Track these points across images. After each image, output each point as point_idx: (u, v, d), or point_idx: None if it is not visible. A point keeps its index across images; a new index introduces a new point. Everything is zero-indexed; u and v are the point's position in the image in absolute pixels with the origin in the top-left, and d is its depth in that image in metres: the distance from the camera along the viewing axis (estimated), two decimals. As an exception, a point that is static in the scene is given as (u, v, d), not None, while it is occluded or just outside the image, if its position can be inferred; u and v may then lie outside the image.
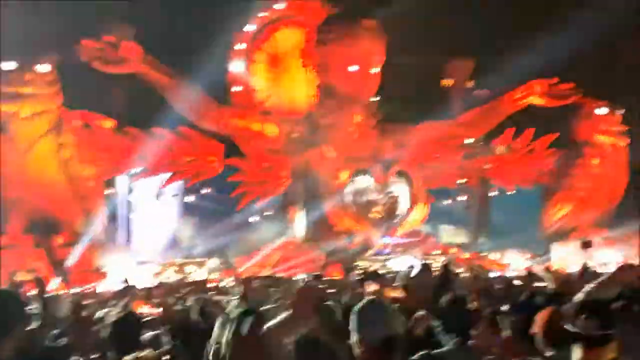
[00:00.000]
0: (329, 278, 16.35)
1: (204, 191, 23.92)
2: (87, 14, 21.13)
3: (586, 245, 20.90)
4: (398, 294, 10.91)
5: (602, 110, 27.40)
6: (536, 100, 26.16)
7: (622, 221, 25.45)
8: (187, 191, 23.70)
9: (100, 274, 19.75)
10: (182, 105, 22.33)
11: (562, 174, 27.59)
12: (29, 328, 5.17)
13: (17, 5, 19.52)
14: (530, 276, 17.31)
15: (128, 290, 14.29)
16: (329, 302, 5.67)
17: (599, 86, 26.06)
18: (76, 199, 21.12)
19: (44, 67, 20.50)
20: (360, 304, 4.08)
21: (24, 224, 20.35)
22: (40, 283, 9.06)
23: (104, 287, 17.63)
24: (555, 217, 27.66)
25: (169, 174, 23.33)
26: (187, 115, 22.66)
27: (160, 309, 9.12)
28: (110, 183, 22.78)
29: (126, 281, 15.08)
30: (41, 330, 6.36)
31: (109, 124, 22.07)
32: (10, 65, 20.14)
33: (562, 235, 26.78)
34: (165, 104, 22.03)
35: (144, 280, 18.10)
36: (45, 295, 8.47)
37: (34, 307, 6.77)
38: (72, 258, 19.84)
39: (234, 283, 12.38)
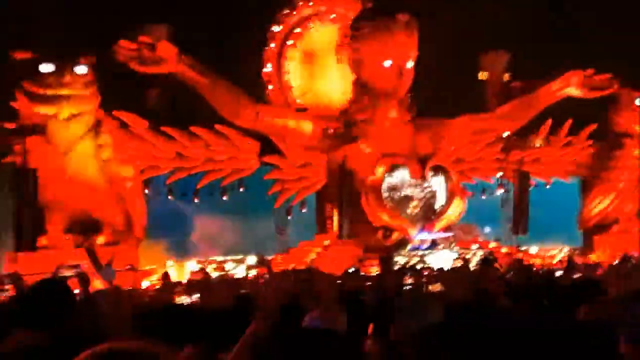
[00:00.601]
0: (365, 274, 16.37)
1: (241, 189, 23.94)
2: (123, 14, 21.37)
3: None
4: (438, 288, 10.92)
5: (640, 101, 27.03)
6: (573, 92, 25.87)
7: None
8: (225, 189, 23.75)
9: (142, 272, 19.93)
10: (218, 104, 22.46)
11: (602, 165, 27.28)
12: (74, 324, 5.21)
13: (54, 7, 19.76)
14: (571, 267, 17.28)
15: (168, 286, 14.50)
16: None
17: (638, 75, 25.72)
18: (115, 199, 21.36)
19: (81, 69, 20.63)
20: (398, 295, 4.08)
21: (64, 225, 20.59)
22: (84, 279, 9.15)
23: (146, 284, 17.83)
24: (595, 210, 27.39)
25: (205, 172, 23.49)
26: (223, 114, 22.76)
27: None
28: (148, 182, 22.94)
29: (167, 277, 15.26)
30: (85, 326, 6.42)
31: (146, 124, 22.25)
32: (48, 67, 20.32)
33: (603, 227, 26.54)
34: (202, 102, 22.14)
35: (184, 276, 18.29)
36: (89, 292, 8.56)
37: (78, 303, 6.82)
38: None
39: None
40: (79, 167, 20.72)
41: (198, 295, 11.52)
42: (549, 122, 26.64)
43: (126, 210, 21.47)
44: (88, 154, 20.98)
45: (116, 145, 21.50)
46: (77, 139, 20.75)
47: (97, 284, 15.85)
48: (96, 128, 21.18)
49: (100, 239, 20.73)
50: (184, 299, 12.00)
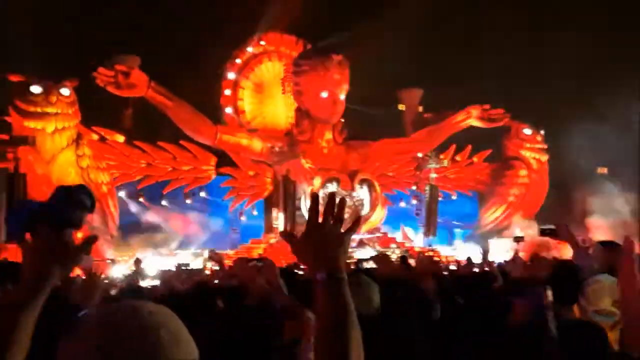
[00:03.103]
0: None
1: (201, 194, 23.72)
2: (101, 46, 21.03)
3: (518, 240, 21.14)
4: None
5: (527, 131, 27.62)
6: (474, 122, 26.19)
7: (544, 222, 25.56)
8: (186, 195, 23.44)
9: (109, 263, 19.34)
10: (182, 124, 22.04)
11: (495, 182, 27.74)
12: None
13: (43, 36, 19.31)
14: (470, 264, 17.25)
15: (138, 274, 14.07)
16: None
17: (525, 110, 26.29)
18: (93, 201, 20.81)
19: (65, 91, 20.25)
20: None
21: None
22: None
23: (114, 273, 17.32)
24: (490, 218, 27.79)
25: (171, 180, 23.08)
26: (187, 131, 22.38)
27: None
28: (121, 187, 22.49)
29: (138, 262, 14.95)
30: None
31: (120, 138, 21.91)
32: (37, 88, 19.87)
33: (496, 232, 26.91)
34: (168, 121, 21.76)
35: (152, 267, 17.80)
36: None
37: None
38: None
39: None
40: (62, 173, 20.20)
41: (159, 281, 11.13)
42: (454, 146, 27.02)
43: (102, 210, 20.98)
44: (70, 162, 20.58)
45: (94, 155, 21.11)
46: (61, 149, 20.38)
47: (77, 270, 15.27)
48: (77, 140, 20.81)
49: (79, 234, 20.03)
50: (147, 282, 11.60)
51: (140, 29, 21.98)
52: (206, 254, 20.78)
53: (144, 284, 11.45)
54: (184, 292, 6.68)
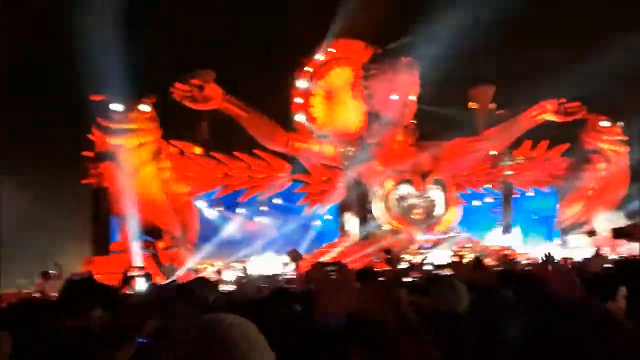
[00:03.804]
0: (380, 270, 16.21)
1: (275, 201, 24.08)
2: (177, 62, 21.62)
3: (591, 234, 20.68)
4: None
5: (605, 123, 26.78)
6: (548, 117, 25.63)
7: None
8: (262, 202, 23.86)
9: (193, 272, 19.91)
10: (256, 133, 22.51)
11: (573, 177, 27.03)
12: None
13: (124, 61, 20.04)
14: (546, 262, 16.84)
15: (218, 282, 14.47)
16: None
17: (602, 102, 25.50)
18: (174, 212, 21.49)
19: (144, 107, 20.89)
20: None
21: (132, 233, 20.69)
22: (149, 277, 9.21)
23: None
24: (568, 213, 27.11)
25: (247, 188, 23.54)
26: (260, 140, 22.83)
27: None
28: (200, 197, 23.08)
29: (219, 272, 15.31)
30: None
31: (198, 150, 22.46)
32: (117, 106, 20.59)
33: (575, 228, 26.25)
34: (243, 131, 22.23)
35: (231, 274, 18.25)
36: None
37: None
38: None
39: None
40: (144, 186, 20.85)
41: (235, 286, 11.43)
42: (529, 142, 26.51)
43: (182, 220, 21.60)
44: (151, 176, 21.16)
45: (174, 167, 21.68)
46: (142, 164, 20.96)
47: (159, 280, 15.86)
48: (158, 154, 21.38)
49: (162, 244, 20.79)
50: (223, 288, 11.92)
51: (213, 43, 22.54)
52: (282, 259, 21.11)
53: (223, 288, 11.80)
54: (262, 298, 6.89)
